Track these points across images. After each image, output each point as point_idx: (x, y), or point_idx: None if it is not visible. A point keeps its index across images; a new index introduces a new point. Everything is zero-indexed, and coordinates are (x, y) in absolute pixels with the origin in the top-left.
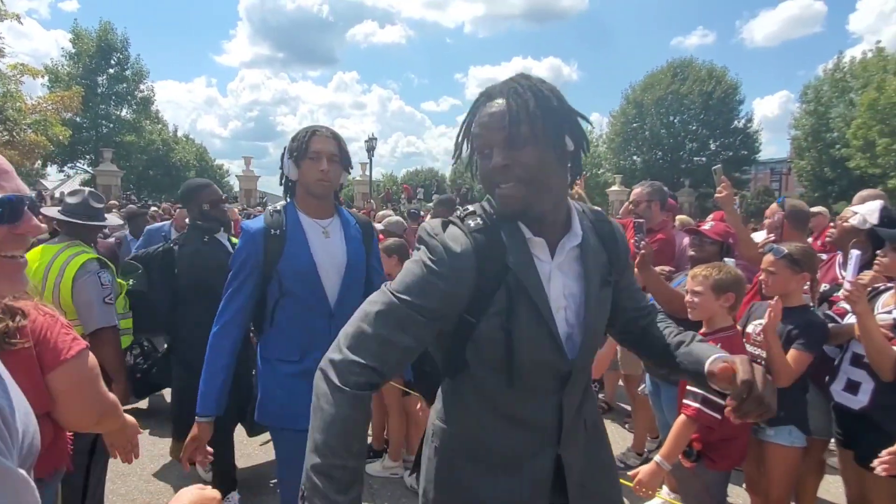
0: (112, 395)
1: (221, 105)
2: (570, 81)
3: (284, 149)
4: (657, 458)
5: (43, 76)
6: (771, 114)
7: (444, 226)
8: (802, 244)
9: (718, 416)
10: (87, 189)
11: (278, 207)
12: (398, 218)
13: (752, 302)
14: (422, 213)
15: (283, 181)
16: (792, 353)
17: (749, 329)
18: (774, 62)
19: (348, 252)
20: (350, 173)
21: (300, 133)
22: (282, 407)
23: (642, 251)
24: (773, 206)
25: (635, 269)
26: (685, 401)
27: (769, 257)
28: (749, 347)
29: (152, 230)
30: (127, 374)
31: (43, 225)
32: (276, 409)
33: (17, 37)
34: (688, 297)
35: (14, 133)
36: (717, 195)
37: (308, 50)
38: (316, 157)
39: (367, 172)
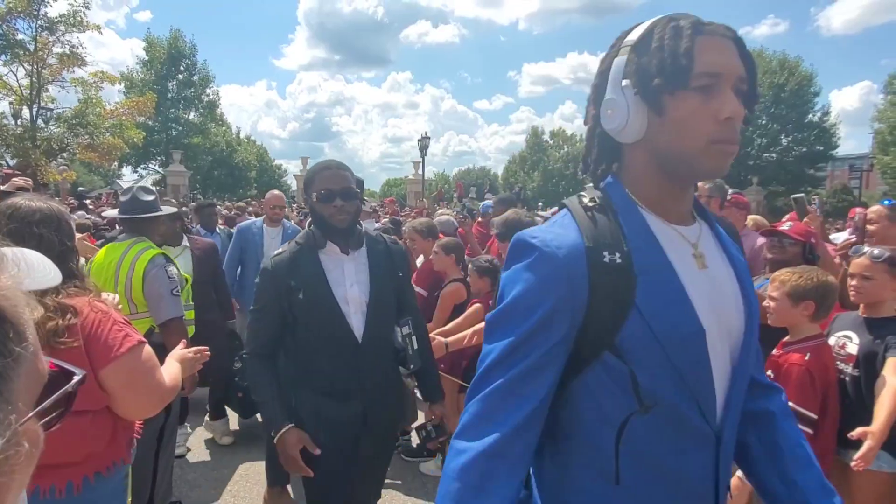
0: (170, 382)
1: (280, 107)
2: None
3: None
4: (739, 472)
5: (120, 83)
6: (850, 106)
7: None
8: None
9: (810, 431)
10: (136, 185)
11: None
12: (448, 217)
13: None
14: (475, 211)
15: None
16: (893, 362)
17: (831, 341)
18: (854, 51)
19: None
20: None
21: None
22: None
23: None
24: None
25: None
26: None
27: (863, 261)
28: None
29: (244, 228)
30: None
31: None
32: None
33: (96, 46)
34: (765, 303)
35: (94, 136)
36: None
37: (363, 51)
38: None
39: (420, 171)
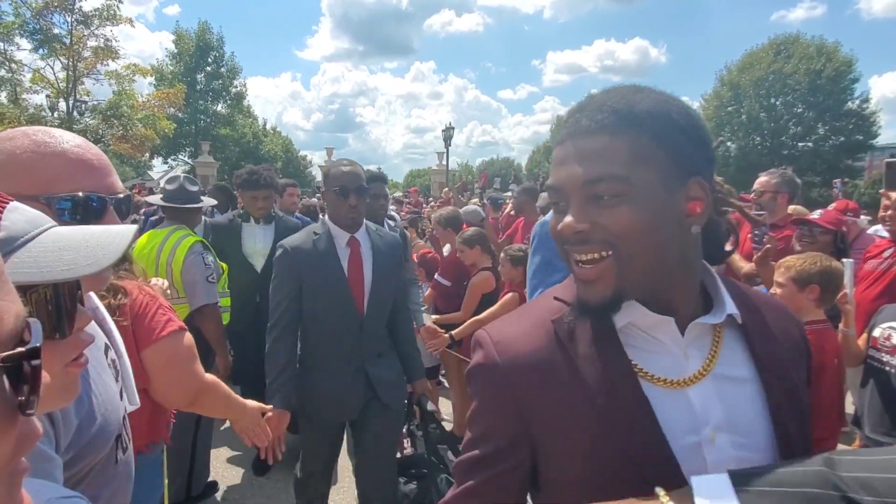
0: (209, 377)
1: (305, 98)
2: (659, 63)
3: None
4: None
5: (151, 75)
6: (892, 93)
7: None
8: None
9: None
10: (182, 175)
11: None
12: (474, 207)
13: (882, 304)
14: (500, 200)
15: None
16: None
17: (876, 333)
18: None
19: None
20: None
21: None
22: None
23: (766, 245)
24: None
25: (753, 264)
26: None
27: None
28: (873, 352)
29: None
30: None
31: (119, 222)
32: None
33: (126, 39)
34: (772, 289)
35: (127, 128)
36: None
37: (386, 41)
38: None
39: (444, 162)
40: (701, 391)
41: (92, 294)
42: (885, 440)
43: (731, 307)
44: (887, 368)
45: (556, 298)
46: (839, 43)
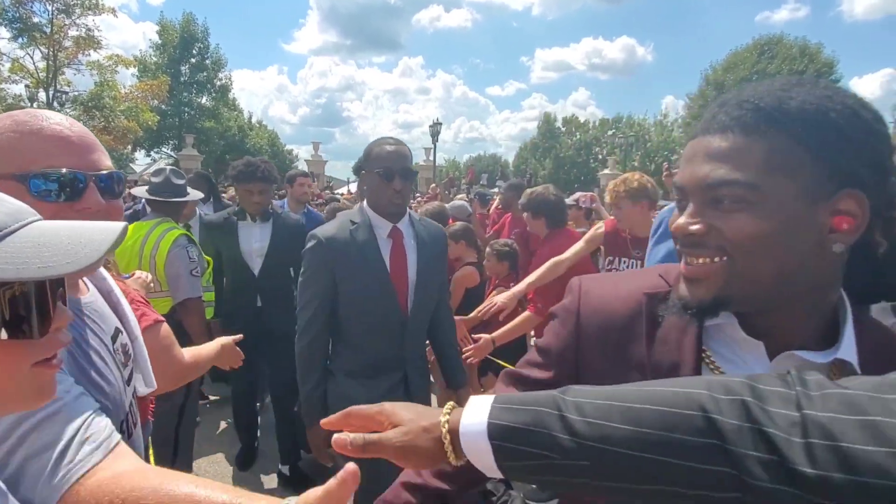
0: (189, 359)
1: (291, 92)
2: (646, 62)
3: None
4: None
5: (134, 66)
6: (872, 94)
7: None
8: None
9: None
10: (168, 167)
11: None
12: (461, 202)
13: None
14: (487, 196)
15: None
16: None
17: None
18: (877, 37)
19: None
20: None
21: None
22: None
23: None
24: None
25: None
26: None
27: None
28: None
29: None
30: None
31: (110, 202)
32: None
33: (108, 29)
34: None
35: (109, 120)
36: None
37: (374, 36)
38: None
39: (432, 158)
40: None
41: (108, 276)
42: None
43: (845, 352)
44: None
45: (660, 276)
46: (822, 44)
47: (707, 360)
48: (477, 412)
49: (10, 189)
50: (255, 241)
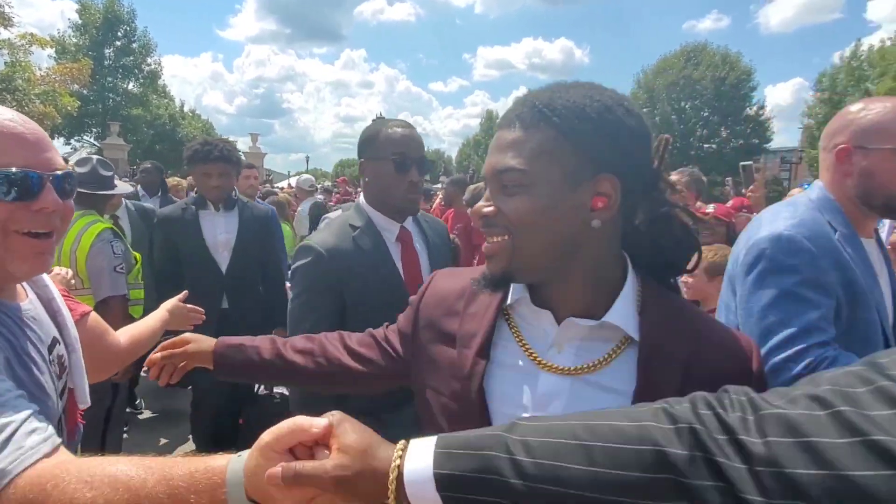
0: (125, 343)
1: (227, 81)
2: (583, 64)
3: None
4: None
5: (51, 47)
6: (783, 101)
7: None
8: None
9: None
10: (95, 157)
11: None
12: None
13: None
14: (431, 191)
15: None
16: None
17: None
18: (789, 49)
19: None
20: None
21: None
22: None
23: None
24: (797, 190)
25: None
26: None
27: None
28: None
29: None
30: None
31: (60, 202)
32: None
33: (22, 6)
34: (682, 278)
35: (23, 104)
36: (750, 193)
37: (315, 26)
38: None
39: None
40: (554, 382)
41: (50, 283)
42: None
43: (619, 319)
44: None
45: None
46: (741, 53)
47: (514, 330)
48: (420, 457)
49: None
50: (219, 233)
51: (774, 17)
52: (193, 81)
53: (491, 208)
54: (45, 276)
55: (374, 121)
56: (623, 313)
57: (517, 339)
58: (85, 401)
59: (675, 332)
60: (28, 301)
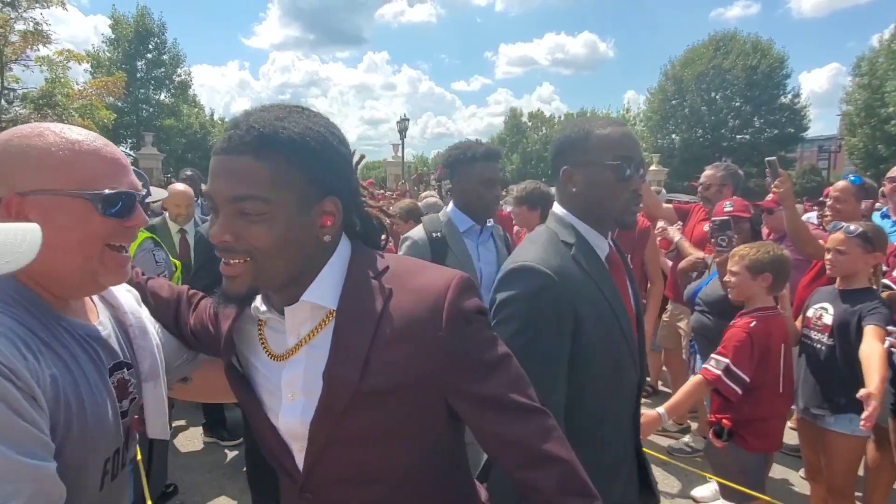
0: None
1: (254, 88)
2: (607, 58)
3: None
4: (660, 408)
5: (87, 62)
6: (819, 88)
7: None
8: (873, 223)
9: (738, 390)
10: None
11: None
12: (435, 199)
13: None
14: None
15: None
16: (872, 330)
17: (809, 313)
18: (823, 33)
19: None
20: None
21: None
22: None
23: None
24: (843, 183)
25: (701, 254)
26: (706, 364)
27: (839, 236)
28: (806, 331)
29: None
30: None
31: (145, 218)
32: None
33: (57, 23)
34: (726, 277)
35: (63, 118)
36: (774, 190)
37: (338, 30)
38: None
39: (400, 154)
40: (291, 364)
41: (131, 310)
42: (819, 412)
43: (314, 296)
44: (817, 346)
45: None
46: (772, 40)
47: (260, 325)
48: None
49: (74, 204)
50: None
51: (806, 2)
52: (221, 90)
53: (229, 236)
54: (126, 302)
55: (577, 118)
56: (321, 291)
57: (264, 342)
58: (156, 434)
59: (369, 292)
60: (98, 323)
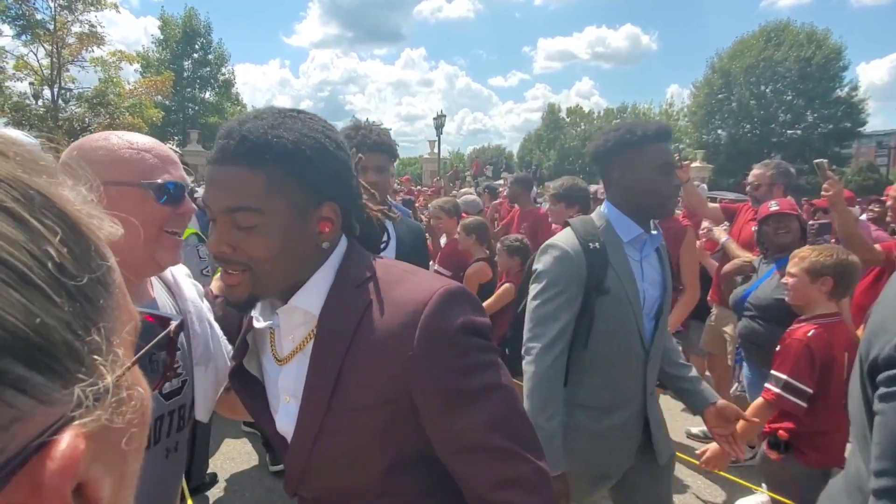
0: None
1: (294, 86)
2: (650, 51)
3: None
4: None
5: (137, 62)
6: (880, 80)
7: None
8: None
9: (802, 404)
10: None
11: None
12: (473, 197)
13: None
14: (499, 190)
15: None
16: None
17: None
18: (885, 21)
19: None
20: None
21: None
22: None
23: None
24: None
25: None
26: (766, 384)
27: None
28: None
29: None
30: None
31: (194, 207)
32: None
33: (109, 25)
34: (784, 279)
35: (114, 116)
36: (824, 193)
37: (376, 27)
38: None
39: (436, 150)
40: (287, 367)
41: (188, 293)
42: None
43: (302, 301)
44: None
45: None
46: (829, 30)
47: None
48: None
49: (135, 194)
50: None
51: None
52: (263, 88)
53: (226, 248)
54: (205, 305)
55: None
56: (309, 296)
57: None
58: (198, 415)
59: (349, 301)
60: (154, 300)
